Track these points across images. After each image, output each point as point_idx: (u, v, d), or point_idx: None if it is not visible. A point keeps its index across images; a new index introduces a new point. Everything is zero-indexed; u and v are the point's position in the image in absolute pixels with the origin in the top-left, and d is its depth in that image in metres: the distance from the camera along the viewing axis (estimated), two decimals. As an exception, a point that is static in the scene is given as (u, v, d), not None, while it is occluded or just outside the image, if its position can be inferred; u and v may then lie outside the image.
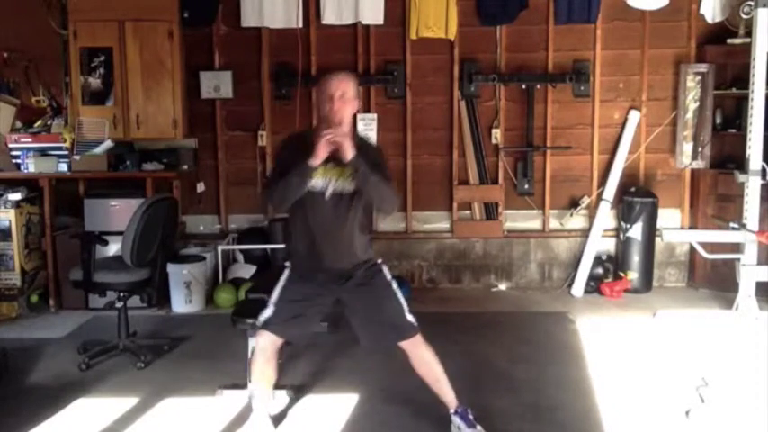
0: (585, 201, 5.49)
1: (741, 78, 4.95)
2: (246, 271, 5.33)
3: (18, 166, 5.17)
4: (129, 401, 3.43)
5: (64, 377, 3.77)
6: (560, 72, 5.38)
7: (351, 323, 3.04)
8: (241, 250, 5.49)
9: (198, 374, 3.78)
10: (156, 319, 4.80)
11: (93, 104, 5.17)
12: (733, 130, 5.20)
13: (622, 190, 5.40)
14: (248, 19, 5.33)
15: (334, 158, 2.82)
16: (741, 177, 4.42)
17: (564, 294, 5.36)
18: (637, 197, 5.27)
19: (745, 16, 4.94)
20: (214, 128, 5.57)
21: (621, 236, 5.36)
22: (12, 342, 4.23)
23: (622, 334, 4.39)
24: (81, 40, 5.11)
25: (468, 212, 5.63)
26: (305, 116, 5.49)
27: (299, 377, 3.71)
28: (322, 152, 2.75)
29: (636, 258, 5.29)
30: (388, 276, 3.04)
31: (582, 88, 5.41)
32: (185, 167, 5.34)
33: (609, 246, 5.53)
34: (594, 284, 5.35)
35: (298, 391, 3.53)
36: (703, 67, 5.25)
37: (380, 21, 5.32)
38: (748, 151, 4.40)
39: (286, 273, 3.03)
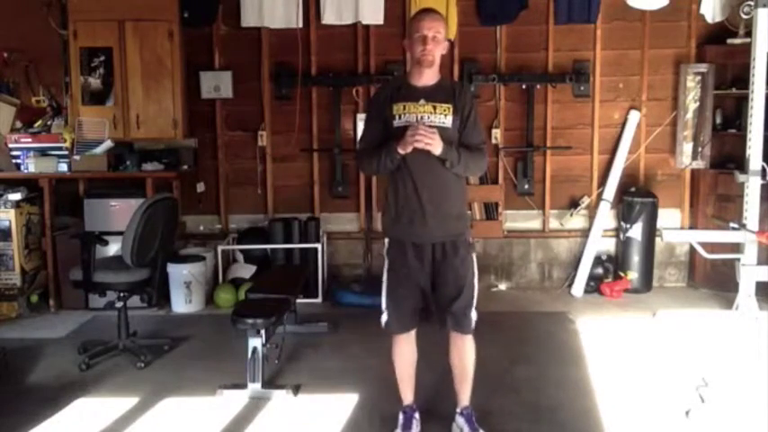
0: (585, 201, 5.49)
1: (741, 78, 4.95)
2: (246, 271, 5.33)
3: (18, 166, 5.16)
4: (129, 401, 3.43)
5: (64, 377, 3.77)
6: (560, 72, 5.38)
7: (431, 292, 2.98)
8: (241, 250, 5.49)
9: (198, 374, 3.78)
10: (156, 319, 4.80)
11: (93, 104, 5.17)
12: (733, 130, 5.20)
13: (622, 190, 5.40)
14: (248, 19, 5.33)
15: (427, 95, 2.79)
16: (741, 177, 4.42)
17: (564, 294, 5.36)
18: (637, 197, 5.28)
19: (745, 16, 4.94)
20: (214, 128, 5.57)
21: (621, 236, 5.36)
22: (12, 342, 4.23)
23: (622, 334, 4.39)
24: (81, 40, 5.11)
25: (467, 212, 5.61)
26: (305, 116, 5.49)
27: (299, 377, 3.71)
28: (409, 147, 2.69)
29: (636, 258, 5.29)
30: (476, 271, 3.01)
31: (582, 88, 5.41)
32: (185, 167, 5.34)
33: (609, 246, 5.53)
34: (594, 284, 5.35)
35: (298, 391, 3.52)
36: (703, 67, 5.26)
37: (380, 21, 5.32)
38: (748, 151, 4.40)
39: (385, 270, 2.98)
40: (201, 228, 5.67)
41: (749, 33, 4.65)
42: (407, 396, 3.08)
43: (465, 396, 3.05)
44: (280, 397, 3.46)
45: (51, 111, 5.38)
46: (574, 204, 5.53)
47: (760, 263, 4.42)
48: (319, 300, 5.21)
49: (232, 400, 3.43)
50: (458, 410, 3.06)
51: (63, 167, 5.08)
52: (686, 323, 4.50)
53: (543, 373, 3.76)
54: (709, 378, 3.46)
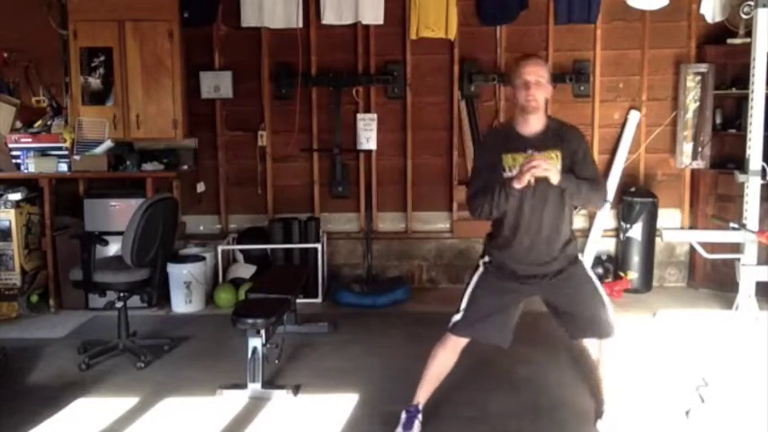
0: (586, 201, 5.48)
1: (741, 78, 4.95)
2: (246, 271, 5.33)
3: (18, 166, 5.16)
4: (129, 401, 3.43)
5: (64, 377, 3.77)
6: (560, 72, 5.38)
7: (553, 315, 3.07)
8: (241, 250, 5.49)
9: (198, 374, 3.78)
10: (156, 319, 4.80)
11: (93, 104, 5.17)
12: (733, 130, 5.20)
13: (622, 190, 5.40)
14: (248, 19, 5.33)
15: (536, 145, 2.80)
16: (741, 177, 4.42)
17: (564, 294, 5.36)
18: (637, 197, 5.27)
19: (745, 16, 4.94)
20: (214, 128, 5.57)
21: (621, 236, 5.36)
22: (12, 342, 4.23)
23: (622, 334, 4.38)
24: (81, 40, 5.11)
25: (468, 212, 5.61)
26: (305, 116, 5.49)
27: (299, 377, 3.71)
28: (525, 180, 2.69)
29: (636, 258, 5.29)
30: (589, 272, 3.03)
31: (582, 88, 5.41)
32: (185, 167, 5.34)
33: (609, 246, 5.53)
34: (594, 284, 5.34)
35: (297, 391, 3.52)
36: (703, 67, 5.25)
37: (380, 21, 5.32)
38: (748, 151, 4.40)
39: (479, 271, 3.03)
40: (201, 228, 5.67)
41: (749, 33, 4.65)
42: (421, 397, 3.06)
43: (599, 401, 3.15)
44: (280, 397, 3.46)
45: (51, 111, 5.39)
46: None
47: (760, 263, 4.41)
48: (319, 300, 5.21)
49: (232, 400, 3.43)
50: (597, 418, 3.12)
51: (63, 167, 5.08)
52: (686, 323, 4.50)
53: (543, 373, 3.76)
54: (709, 378, 3.46)
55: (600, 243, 5.43)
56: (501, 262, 2.98)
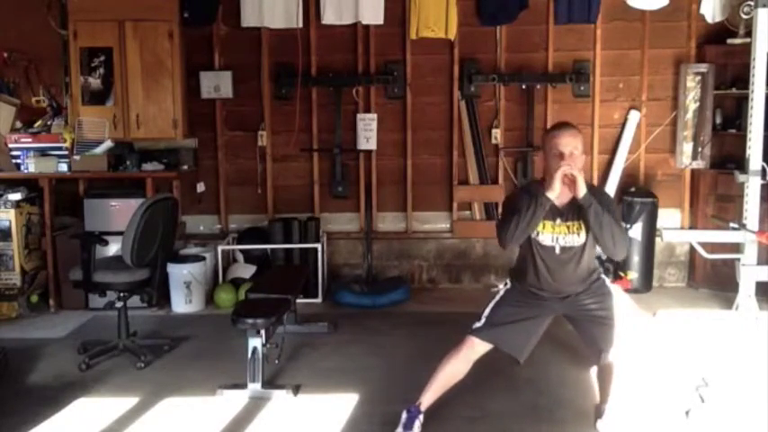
0: (586, 201, 5.48)
1: (741, 78, 4.95)
2: (246, 271, 5.33)
3: (18, 166, 5.17)
4: (129, 401, 3.43)
5: (64, 377, 3.77)
6: (560, 72, 5.39)
7: (576, 331, 3.18)
8: (241, 250, 5.49)
9: (198, 374, 3.78)
10: (156, 319, 4.80)
11: (93, 104, 5.17)
12: (733, 130, 5.20)
13: (622, 190, 5.40)
14: (248, 19, 5.33)
15: (563, 214, 2.91)
16: (741, 177, 4.42)
17: (564, 294, 5.36)
18: (637, 197, 5.27)
19: (745, 16, 4.94)
20: (214, 128, 5.57)
21: (621, 236, 5.36)
22: (12, 342, 4.23)
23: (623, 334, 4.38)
24: (81, 40, 5.11)
25: (468, 212, 5.63)
26: (305, 116, 5.49)
27: (299, 377, 3.71)
28: (557, 183, 2.79)
29: (636, 258, 5.29)
30: (609, 287, 3.14)
31: (582, 88, 5.41)
32: (185, 167, 5.34)
33: (609, 246, 5.52)
34: (594, 284, 5.34)
35: (297, 391, 3.52)
36: (703, 67, 5.26)
37: (380, 21, 5.32)
38: (748, 151, 4.39)
39: (503, 290, 3.14)
40: (201, 228, 5.67)
41: (749, 33, 4.64)
42: (425, 400, 3.06)
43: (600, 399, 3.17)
44: (280, 397, 3.46)
45: (51, 111, 5.39)
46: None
47: (760, 263, 4.41)
48: (319, 300, 5.21)
49: (232, 400, 3.43)
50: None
51: (63, 167, 5.08)
52: (686, 323, 4.50)
53: (543, 372, 3.75)
54: (709, 378, 3.45)
55: (600, 243, 5.42)
56: (525, 289, 3.09)
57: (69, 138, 5.09)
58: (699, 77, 5.31)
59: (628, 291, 5.25)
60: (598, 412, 3.14)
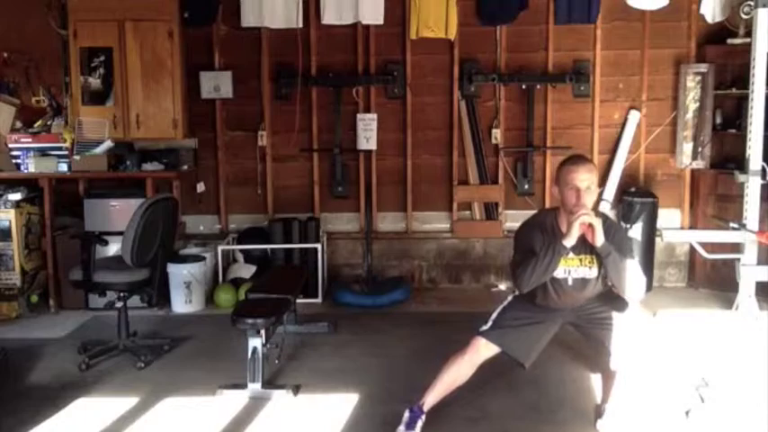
0: (586, 201, 5.48)
1: (741, 78, 4.94)
2: (246, 271, 5.33)
3: (18, 166, 5.16)
4: (129, 401, 3.43)
5: (64, 377, 3.77)
6: (560, 72, 5.39)
7: (585, 338, 3.20)
8: (241, 250, 5.49)
9: (198, 374, 3.78)
10: (156, 319, 4.80)
11: (93, 104, 5.17)
12: (733, 130, 5.20)
13: (622, 190, 5.40)
14: (248, 19, 5.33)
15: (573, 247, 2.88)
16: (741, 177, 4.42)
17: (564, 294, 5.36)
18: (637, 197, 5.27)
19: (745, 16, 4.94)
20: (214, 128, 5.57)
21: (621, 236, 5.36)
22: (12, 342, 4.23)
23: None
24: (81, 40, 5.11)
25: (468, 212, 5.63)
26: (305, 116, 5.49)
27: (299, 377, 3.71)
28: (575, 232, 2.79)
29: (636, 258, 5.28)
30: (612, 299, 3.11)
31: (582, 88, 5.41)
32: (185, 167, 5.34)
33: (609, 246, 5.52)
34: (594, 284, 5.34)
35: (297, 391, 3.52)
36: (703, 67, 5.25)
37: (380, 21, 5.32)
38: (748, 151, 4.39)
39: (512, 296, 3.15)
40: (201, 228, 5.67)
41: (749, 33, 4.64)
42: (429, 400, 3.05)
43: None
44: (280, 397, 3.46)
45: (51, 111, 5.39)
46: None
47: (760, 263, 4.41)
48: (319, 300, 5.21)
49: (232, 400, 3.43)
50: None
51: (63, 167, 5.08)
52: (686, 323, 4.50)
53: (543, 372, 3.75)
54: (709, 378, 3.45)
55: (600, 243, 5.42)
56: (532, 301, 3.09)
57: (69, 138, 5.09)
58: (699, 77, 5.30)
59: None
60: (598, 412, 3.15)
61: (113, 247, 4.31)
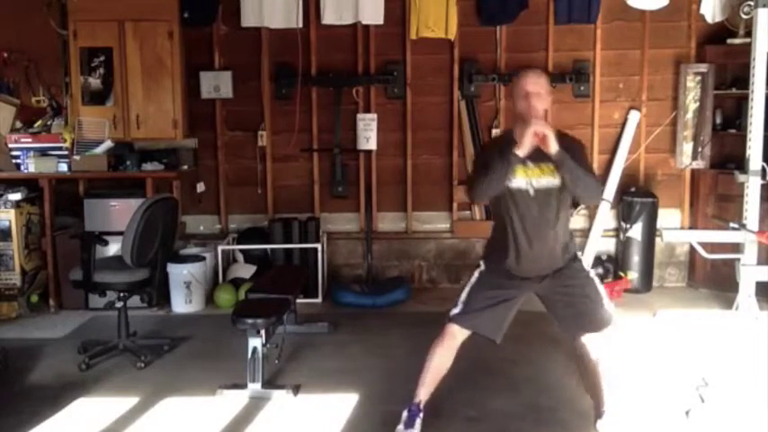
0: (586, 201, 5.49)
1: (741, 78, 4.95)
2: (246, 271, 5.33)
3: (18, 166, 5.16)
4: (129, 401, 3.43)
5: (64, 377, 3.77)
6: (560, 72, 5.38)
7: (549, 312, 3.11)
8: (241, 250, 5.49)
9: (198, 374, 3.78)
10: (156, 319, 4.80)
11: (93, 104, 5.17)
12: (733, 130, 5.20)
13: (622, 190, 5.40)
14: (248, 19, 5.33)
15: (533, 157, 2.86)
16: (741, 177, 4.43)
17: (564, 294, 5.35)
18: (637, 197, 5.28)
19: (745, 16, 4.94)
20: (214, 128, 5.57)
21: (621, 236, 5.36)
22: (12, 342, 4.23)
23: (622, 334, 4.38)
24: (81, 40, 5.11)
25: (468, 212, 5.62)
26: (305, 116, 5.49)
27: (299, 377, 3.71)
28: (528, 142, 2.80)
29: (636, 258, 5.29)
30: (587, 268, 3.09)
31: (582, 88, 5.41)
32: (185, 167, 5.34)
33: (609, 246, 5.53)
34: (594, 284, 5.34)
35: (297, 391, 3.52)
36: (703, 67, 5.26)
37: (380, 21, 5.32)
38: (748, 151, 4.40)
39: (477, 273, 3.09)
40: (201, 228, 5.67)
41: (749, 33, 4.65)
42: (422, 395, 3.05)
43: (598, 402, 3.05)
44: (280, 397, 3.46)
45: (51, 111, 5.39)
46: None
47: (760, 263, 4.42)
48: (319, 300, 5.21)
49: (232, 400, 3.43)
50: (595, 415, 3.07)
51: (63, 167, 5.08)
52: (686, 323, 4.50)
53: (543, 372, 3.76)
54: (709, 378, 3.45)
55: (600, 243, 5.42)
56: (498, 267, 3.04)
57: (69, 138, 5.09)
58: (699, 77, 5.31)
59: (628, 291, 5.26)
60: (597, 413, 3.14)
61: (113, 247, 4.31)
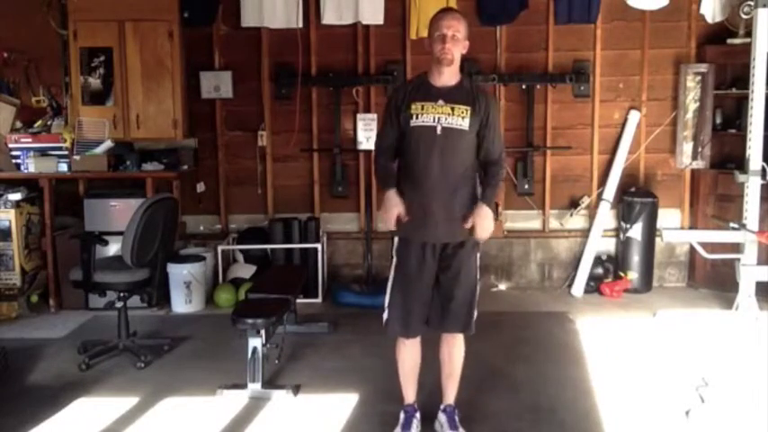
0: (585, 201, 5.49)
1: (741, 78, 4.95)
2: (246, 271, 5.33)
3: (18, 166, 5.17)
4: (129, 401, 3.43)
5: (64, 377, 3.77)
6: (560, 72, 5.38)
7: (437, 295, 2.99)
8: (241, 250, 5.49)
9: (198, 374, 3.78)
10: (156, 319, 4.80)
11: (93, 104, 5.17)
12: (733, 130, 5.20)
13: (622, 190, 5.40)
14: (248, 19, 5.33)
15: (444, 96, 2.80)
16: (741, 177, 4.42)
17: (564, 294, 5.36)
18: (637, 197, 5.28)
19: (745, 16, 4.94)
20: (214, 128, 5.57)
21: (621, 236, 5.36)
22: (12, 342, 4.23)
23: (622, 334, 4.39)
24: (81, 40, 5.11)
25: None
26: (305, 116, 5.49)
27: (299, 377, 3.71)
28: (390, 222, 2.80)
29: (636, 258, 5.29)
30: (477, 260, 3.05)
31: (582, 88, 5.41)
32: (185, 167, 5.34)
33: (609, 246, 5.53)
34: (594, 284, 5.35)
35: (297, 391, 3.52)
36: (703, 67, 5.25)
37: (380, 21, 5.32)
38: (748, 151, 4.40)
39: (395, 261, 2.96)
40: (201, 228, 5.67)
41: (749, 33, 4.65)
42: (409, 395, 3.07)
43: (449, 394, 3.07)
44: (280, 397, 3.46)
45: (51, 111, 5.39)
46: (574, 204, 5.53)
47: (760, 263, 4.41)
48: (319, 300, 5.21)
49: (232, 400, 3.43)
50: (441, 407, 3.07)
51: (63, 167, 5.08)
52: (686, 323, 4.50)
53: (543, 373, 3.76)
54: (709, 378, 3.46)
55: (600, 243, 5.42)
56: (407, 238, 2.90)
57: (69, 138, 5.09)
58: (699, 77, 5.30)
59: (628, 291, 5.26)
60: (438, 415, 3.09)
61: (113, 247, 4.32)
